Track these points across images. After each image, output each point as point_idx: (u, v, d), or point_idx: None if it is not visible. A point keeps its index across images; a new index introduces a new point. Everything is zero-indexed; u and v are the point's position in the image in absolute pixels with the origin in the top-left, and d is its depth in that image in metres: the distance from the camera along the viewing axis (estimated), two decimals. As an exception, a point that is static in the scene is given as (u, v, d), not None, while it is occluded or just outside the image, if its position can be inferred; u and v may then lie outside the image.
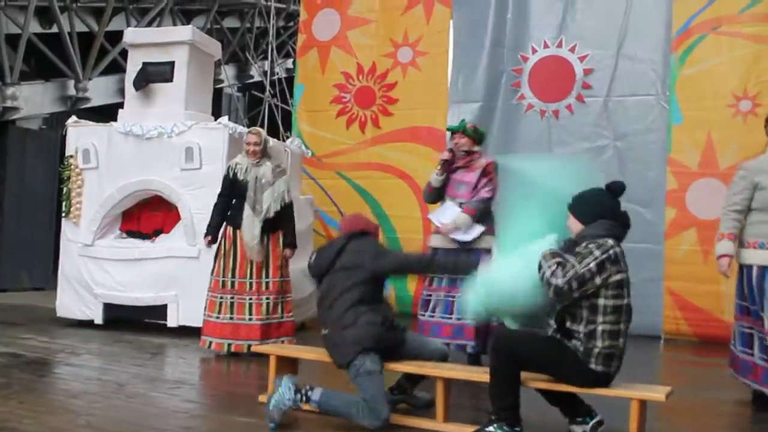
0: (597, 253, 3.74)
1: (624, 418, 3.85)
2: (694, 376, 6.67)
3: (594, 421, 4.10)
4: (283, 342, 6.47)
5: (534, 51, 9.48)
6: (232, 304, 6.45)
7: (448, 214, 6.07)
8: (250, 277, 6.47)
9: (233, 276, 6.47)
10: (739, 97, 8.42)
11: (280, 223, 6.59)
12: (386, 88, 10.14)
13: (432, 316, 6.01)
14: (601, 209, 3.94)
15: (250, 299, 6.45)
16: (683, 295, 8.46)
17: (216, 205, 6.64)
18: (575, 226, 3.98)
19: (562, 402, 4.17)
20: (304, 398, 4.21)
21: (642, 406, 3.88)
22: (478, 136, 6.20)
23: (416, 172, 9.73)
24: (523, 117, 9.47)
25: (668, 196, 8.61)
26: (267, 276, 6.52)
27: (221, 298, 6.48)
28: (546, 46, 9.42)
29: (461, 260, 5.03)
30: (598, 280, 3.73)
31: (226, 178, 6.61)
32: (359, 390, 4.20)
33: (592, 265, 3.72)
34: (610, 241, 3.80)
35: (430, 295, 6.09)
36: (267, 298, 6.50)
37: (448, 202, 6.15)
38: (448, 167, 6.15)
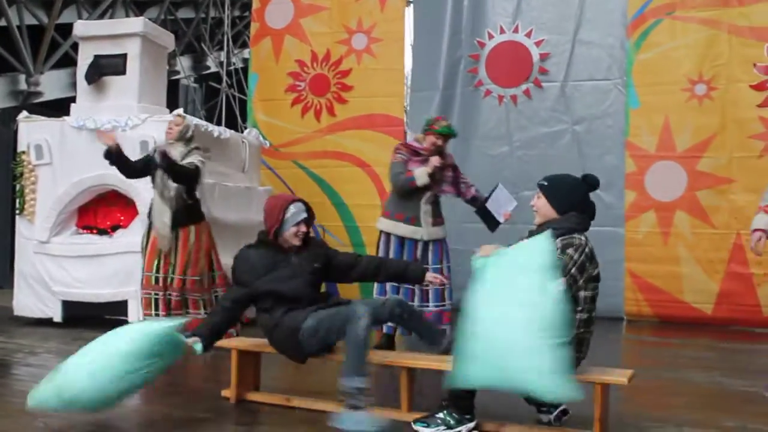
0: (576, 257, 3.74)
1: (588, 402, 3.86)
2: (656, 357, 6.75)
3: (558, 410, 4.11)
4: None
5: (491, 37, 9.47)
6: (168, 300, 6.37)
7: (510, 202, 6.21)
8: (181, 273, 6.36)
9: (158, 272, 6.38)
10: (694, 81, 8.50)
11: (199, 213, 6.58)
12: (340, 75, 10.07)
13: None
14: (576, 200, 3.94)
15: (169, 295, 6.37)
16: (644, 277, 8.56)
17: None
18: (545, 209, 3.95)
19: None
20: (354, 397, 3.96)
21: (605, 389, 3.90)
22: None
23: (374, 159, 9.71)
24: (482, 103, 9.46)
25: (627, 179, 8.68)
26: (187, 273, 6.39)
27: (156, 294, 6.38)
28: (502, 31, 9.42)
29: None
30: (581, 282, 3.77)
31: (146, 154, 6.62)
32: (333, 333, 4.16)
33: (574, 270, 3.73)
34: (583, 238, 3.82)
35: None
36: (210, 293, 6.51)
37: (499, 189, 6.21)
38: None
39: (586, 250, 3.78)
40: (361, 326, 4.00)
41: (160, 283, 6.33)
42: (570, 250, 3.76)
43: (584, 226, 3.90)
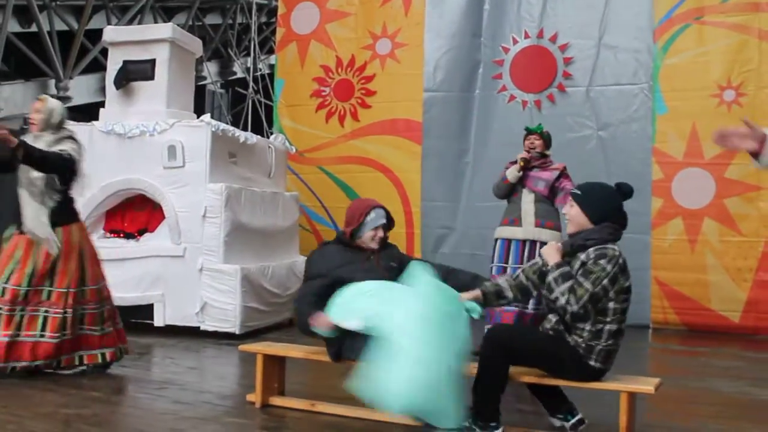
0: (609, 268, 3.72)
1: (614, 410, 3.84)
2: (682, 365, 6.69)
3: (575, 419, 4.08)
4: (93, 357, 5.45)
5: (515, 42, 9.43)
6: (21, 317, 5.21)
7: None
8: (39, 284, 5.24)
9: (22, 284, 5.22)
10: (723, 86, 8.43)
11: (70, 213, 5.47)
12: (364, 80, 10.11)
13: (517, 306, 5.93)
14: (610, 209, 3.91)
15: (46, 311, 5.25)
16: (671, 285, 8.49)
17: None
18: (579, 218, 3.92)
19: (544, 395, 4.17)
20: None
21: (631, 398, 3.87)
22: (549, 140, 6.50)
23: (396, 165, 9.79)
24: (506, 108, 9.42)
25: (654, 186, 8.61)
26: (54, 284, 5.29)
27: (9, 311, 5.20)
28: (527, 36, 9.38)
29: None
30: (611, 294, 3.75)
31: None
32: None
33: (605, 282, 3.71)
34: (617, 249, 3.80)
35: None
36: (74, 311, 5.35)
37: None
38: (527, 165, 6.32)
39: (620, 261, 3.76)
40: None
41: (7, 296, 5.18)
42: (603, 261, 3.73)
43: (617, 237, 3.89)
